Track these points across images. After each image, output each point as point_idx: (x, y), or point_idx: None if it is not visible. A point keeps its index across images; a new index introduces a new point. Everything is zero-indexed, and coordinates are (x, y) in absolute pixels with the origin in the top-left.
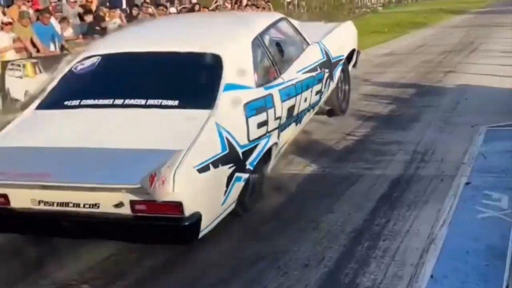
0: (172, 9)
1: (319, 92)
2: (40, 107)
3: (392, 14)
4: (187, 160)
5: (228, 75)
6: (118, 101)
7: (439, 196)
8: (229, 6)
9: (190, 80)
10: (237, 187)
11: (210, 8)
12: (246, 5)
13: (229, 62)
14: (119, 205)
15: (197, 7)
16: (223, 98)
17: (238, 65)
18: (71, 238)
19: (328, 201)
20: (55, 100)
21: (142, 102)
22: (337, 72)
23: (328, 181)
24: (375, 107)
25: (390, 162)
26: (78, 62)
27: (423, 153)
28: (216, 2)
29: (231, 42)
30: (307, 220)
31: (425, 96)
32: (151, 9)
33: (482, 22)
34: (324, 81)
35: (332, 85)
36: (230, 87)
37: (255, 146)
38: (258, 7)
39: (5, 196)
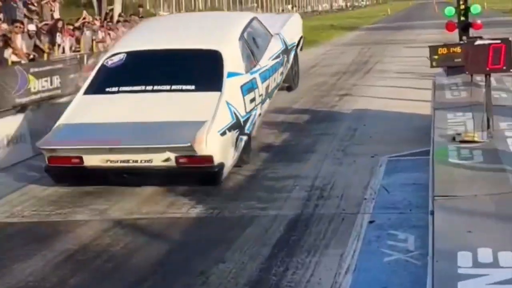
0: (31, 26)
1: (282, 73)
2: (86, 93)
3: None
4: (212, 127)
5: (227, 66)
6: (148, 87)
7: (341, 238)
8: (98, 23)
9: (201, 70)
10: (240, 145)
11: (76, 25)
12: (118, 21)
13: (227, 56)
14: (167, 160)
15: (60, 23)
16: (227, 82)
17: (232, 58)
18: (129, 185)
19: (218, 249)
20: (97, 88)
21: (167, 87)
22: (291, 56)
23: (217, 225)
24: (266, 137)
25: (286, 200)
26: (107, 58)
27: (322, 188)
28: (84, 18)
29: (225, 40)
30: (195, 272)
31: (320, 123)
32: (4, 26)
33: (375, 39)
34: (284, 64)
35: (289, 66)
36: (230, 74)
37: (249, 117)
38: (129, 22)
39: (80, 158)
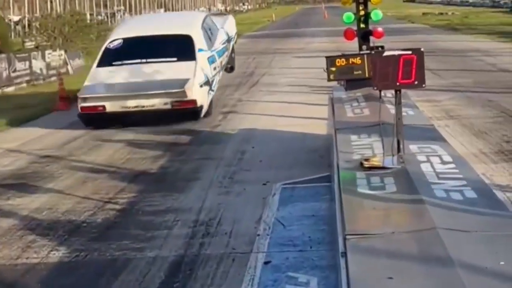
0: None
1: (227, 56)
2: (98, 66)
3: None
4: (195, 81)
5: (197, 45)
6: (143, 60)
7: (232, 282)
8: None
9: (179, 48)
10: (210, 97)
11: None
12: None
13: (195, 38)
14: (165, 104)
15: None
16: (198, 55)
17: (199, 39)
18: (139, 125)
19: None
20: (106, 62)
21: (158, 59)
22: (231, 45)
23: (84, 271)
24: (140, 163)
25: (166, 238)
26: (109, 43)
27: (207, 223)
28: None
29: (193, 28)
30: None
31: (202, 145)
32: None
33: (260, 48)
34: (228, 49)
35: (230, 51)
36: (200, 50)
37: (214, 79)
38: None
39: (103, 106)
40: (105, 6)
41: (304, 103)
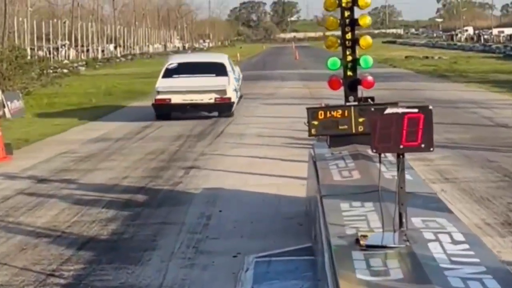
0: None
1: (240, 84)
2: (163, 77)
3: (100, 77)
4: (230, 86)
5: (227, 68)
6: (194, 75)
7: None
8: None
9: (216, 69)
10: (236, 100)
11: None
12: None
13: (226, 64)
14: (211, 98)
15: None
16: (229, 74)
17: (228, 66)
18: (192, 113)
19: None
20: (168, 75)
21: (203, 75)
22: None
23: None
24: (88, 227)
25: None
26: (168, 65)
27: None
28: None
29: (224, 58)
30: None
31: (161, 207)
32: None
33: None
34: (239, 80)
35: (240, 83)
36: (229, 72)
37: (238, 89)
38: None
39: (169, 99)
40: (48, 40)
41: (277, 159)
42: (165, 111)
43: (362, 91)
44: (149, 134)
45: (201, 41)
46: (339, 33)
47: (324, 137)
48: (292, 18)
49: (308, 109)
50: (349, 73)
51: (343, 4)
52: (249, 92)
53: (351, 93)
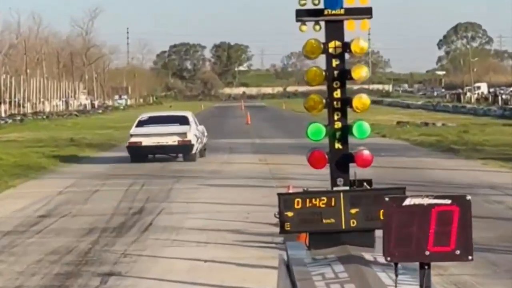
0: None
1: (202, 137)
2: (136, 126)
3: None
4: (190, 132)
5: (190, 119)
6: (161, 124)
7: None
8: None
9: (180, 120)
10: (197, 145)
11: None
12: None
13: (189, 117)
14: (174, 141)
15: None
16: (191, 124)
17: (191, 118)
18: (159, 154)
19: None
20: (140, 125)
21: (169, 124)
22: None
23: None
24: None
25: None
26: (140, 118)
27: None
28: None
29: (187, 113)
30: None
31: None
32: None
33: (151, 167)
34: (203, 134)
35: (203, 137)
36: (191, 122)
37: (199, 138)
38: None
39: (140, 141)
40: None
41: (230, 263)
42: (137, 152)
43: (355, 171)
44: (49, 226)
45: (116, 97)
46: (323, 88)
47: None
48: (241, 68)
49: (280, 195)
50: (338, 145)
51: (330, 50)
52: (184, 168)
53: (339, 174)
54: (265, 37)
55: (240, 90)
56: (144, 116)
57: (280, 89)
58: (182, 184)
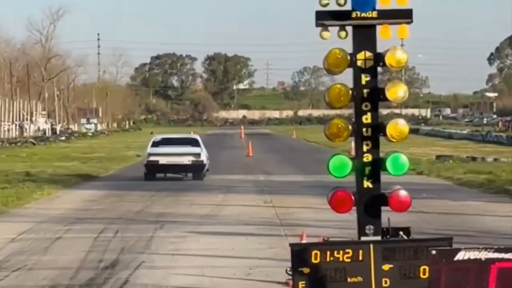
0: None
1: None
2: (152, 146)
3: None
4: (202, 153)
5: (200, 142)
6: (174, 145)
7: None
8: None
9: (192, 142)
10: (207, 164)
11: None
12: None
13: (199, 139)
14: (189, 161)
15: None
16: (202, 146)
17: (200, 141)
18: (173, 173)
19: None
20: (155, 145)
21: (182, 145)
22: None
23: None
24: None
25: None
26: (154, 139)
27: None
28: None
29: (197, 136)
30: None
31: None
32: None
33: (124, 210)
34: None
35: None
36: (201, 145)
37: (207, 159)
38: None
39: (157, 160)
40: None
41: None
42: (154, 170)
43: (388, 217)
44: None
45: (83, 120)
46: (350, 111)
47: None
48: (241, 86)
49: (293, 246)
50: (368, 183)
51: (359, 62)
52: (172, 211)
53: (369, 220)
54: (272, 47)
55: (239, 113)
56: (158, 137)
57: (290, 112)
58: (167, 231)
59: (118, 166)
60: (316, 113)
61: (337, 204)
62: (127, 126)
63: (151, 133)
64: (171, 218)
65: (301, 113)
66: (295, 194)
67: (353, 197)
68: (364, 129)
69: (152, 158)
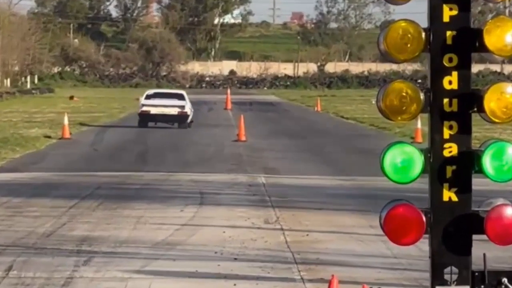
0: None
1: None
2: (145, 99)
3: None
4: (187, 105)
5: (186, 96)
6: (164, 97)
7: None
8: None
9: (179, 96)
10: (190, 116)
11: None
12: None
13: (184, 94)
14: (175, 111)
15: None
16: (187, 99)
17: (185, 95)
18: (162, 121)
19: None
20: (148, 98)
21: (170, 98)
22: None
23: None
24: None
25: None
26: (147, 93)
27: None
28: None
29: (183, 91)
30: None
31: None
32: None
33: (27, 230)
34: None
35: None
36: (186, 99)
37: (192, 111)
38: None
39: (149, 110)
40: None
41: None
42: (146, 119)
43: (484, 253)
44: None
45: None
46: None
47: None
48: (227, 19)
49: None
50: (450, 194)
51: None
52: (99, 234)
53: (451, 258)
54: None
55: (224, 67)
56: (150, 91)
57: (312, 67)
58: (96, 268)
59: (12, 155)
60: (357, 68)
61: (396, 228)
62: (28, 85)
63: (71, 98)
64: (103, 247)
65: (330, 67)
66: (318, 208)
67: (424, 218)
68: (445, 101)
69: (144, 109)
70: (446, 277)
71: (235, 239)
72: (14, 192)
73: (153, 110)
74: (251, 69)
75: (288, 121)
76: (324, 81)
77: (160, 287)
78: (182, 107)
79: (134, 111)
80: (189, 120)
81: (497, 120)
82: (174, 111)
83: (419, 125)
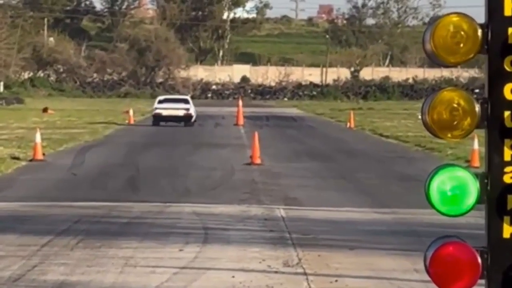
0: None
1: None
2: (158, 103)
3: None
4: (191, 108)
5: (190, 100)
6: (172, 102)
7: None
8: None
9: (185, 101)
10: (194, 117)
11: None
12: None
13: (189, 99)
14: (182, 113)
15: None
16: (191, 102)
17: (190, 100)
18: (172, 121)
19: None
20: (159, 103)
21: (178, 103)
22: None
23: None
24: None
25: None
26: (159, 99)
27: None
28: None
29: (188, 96)
30: None
31: None
32: None
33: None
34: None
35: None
36: (190, 102)
37: (195, 113)
38: None
39: (161, 112)
40: None
41: None
42: (158, 119)
43: None
44: None
45: None
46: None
47: None
48: (239, 13)
49: None
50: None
51: None
52: (77, 279)
53: None
54: None
55: (234, 72)
56: (161, 97)
57: (344, 72)
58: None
59: None
60: (399, 75)
61: (445, 272)
62: None
63: (44, 110)
64: None
65: (367, 74)
66: (350, 248)
67: (479, 259)
68: (506, 114)
69: (157, 111)
70: None
71: (247, 286)
72: None
73: (164, 112)
74: (268, 75)
75: (313, 140)
76: (358, 91)
77: None
78: (187, 109)
79: (122, 127)
80: (193, 120)
81: None
82: (181, 112)
83: (476, 145)
